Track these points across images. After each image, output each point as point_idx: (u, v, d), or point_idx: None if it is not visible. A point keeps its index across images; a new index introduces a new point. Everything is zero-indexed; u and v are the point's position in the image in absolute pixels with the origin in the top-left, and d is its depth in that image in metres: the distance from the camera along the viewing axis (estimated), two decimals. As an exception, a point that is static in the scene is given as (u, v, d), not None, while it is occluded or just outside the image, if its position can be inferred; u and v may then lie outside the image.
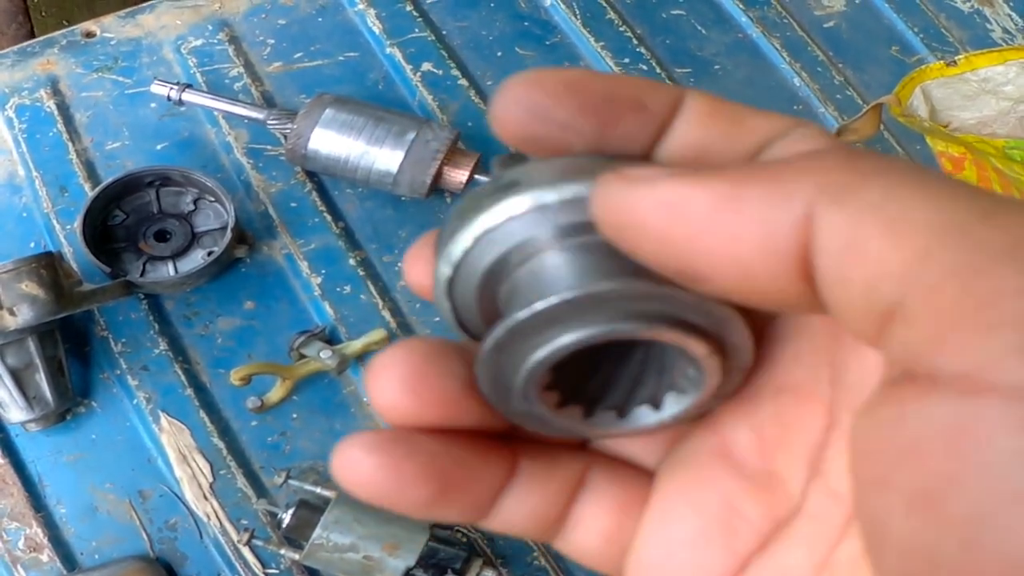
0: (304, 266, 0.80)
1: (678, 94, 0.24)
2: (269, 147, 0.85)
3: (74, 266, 0.76)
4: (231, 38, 0.91)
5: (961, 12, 1.03)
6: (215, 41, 0.90)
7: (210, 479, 0.72)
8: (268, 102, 0.88)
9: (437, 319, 0.79)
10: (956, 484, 0.16)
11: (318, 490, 0.69)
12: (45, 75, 0.87)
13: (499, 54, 0.93)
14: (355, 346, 0.76)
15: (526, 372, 0.22)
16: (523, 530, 0.25)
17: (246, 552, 0.70)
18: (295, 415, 0.75)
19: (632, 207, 0.20)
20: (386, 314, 0.79)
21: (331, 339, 0.77)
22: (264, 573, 0.70)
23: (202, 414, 0.74)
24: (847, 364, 0.23)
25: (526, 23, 0.96)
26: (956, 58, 0.91)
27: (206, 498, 0.72)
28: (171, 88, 0.82)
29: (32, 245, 0.80)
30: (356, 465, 0.23)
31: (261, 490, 0.73)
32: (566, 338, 0.21)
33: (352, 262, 0.81)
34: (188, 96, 0.82)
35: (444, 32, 0.94)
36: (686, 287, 0.21)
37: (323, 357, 0.74)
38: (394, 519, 0.67)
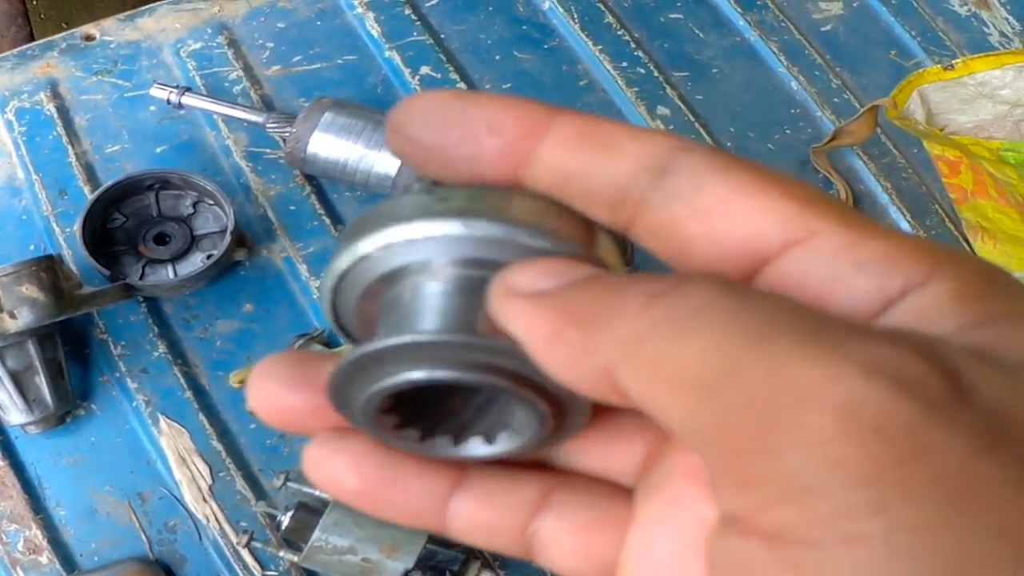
0: (303, 269, 0.81)
1: (542, 117, 0.23)
2: (268, 150, 0.85)
3: (74, 269, 0.76)
4: (230, 41, 0.91)
5: (959, 16, 1.03)
6: (214, 44, 0.91)
7: (209, 481, 0.72)
8: (267, 105, 0.88)
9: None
10: None
11: (317, 492, 0.70)
12: (45, 78, 0.87)
13: (497, 58, 0.94)
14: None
15: (365, 398, 0.24)
16: (483, 542, 0.26)
17: (245, 554, 0.70)
18: (294, 418, 0.75)
19: (504, 310, 0.22)
20: (385, 317, 0.79)
21: (329, 342, 0.77)
22: (263, 575, 0.70)
23: (201, 416, 0.74)
24: None
25: (524, 27, 0.96)
26: (953, 62, 0.92)
27: (205, 500, 0.72)
28: (170, 91, 0.82)
29: (32, 248, 0.80)
30: (309, 451, 0.25)
31: (260, 492, 0.73)
32: (405, 376, 0.23)
33: (351, 265, 0.81)
34: (187, 99, 0.82)
35: (443, 36, 0.95)
36: None
37: (322, 360, 0.74)
38: (393, 521, 0.68)
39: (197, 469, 0.73)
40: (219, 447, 0.73)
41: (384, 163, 0.79)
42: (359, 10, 0.94)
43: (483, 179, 0.24)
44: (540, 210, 0.23)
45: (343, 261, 0.25)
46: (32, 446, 0.73)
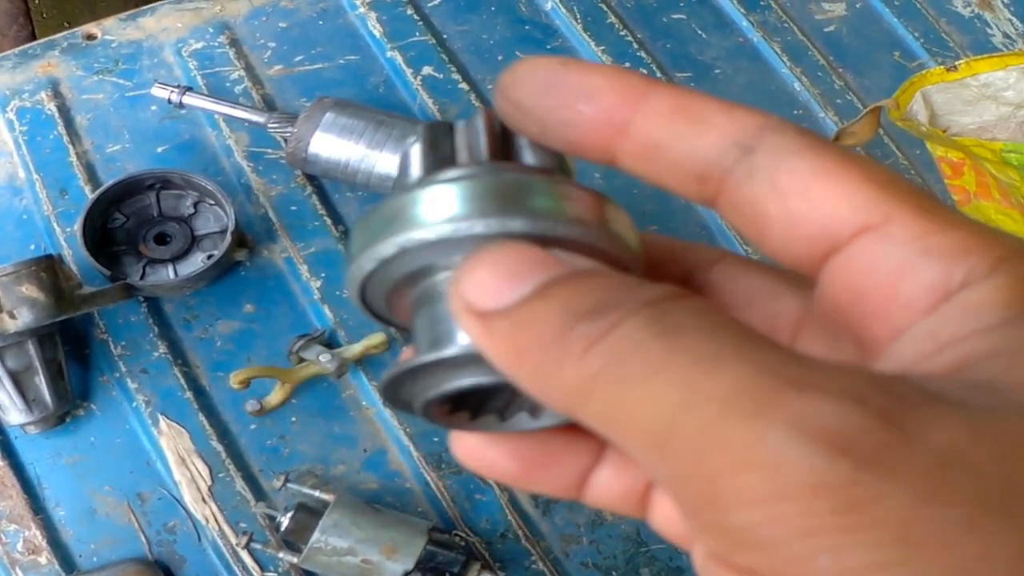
0: (304, 270, 0.80)
1: (640, 88, 0.23)
2: (269, 150, 0.85)
3: (74, 269, 0.76)
4: (232, 41, 0.91)
5: (962, 17, 1.03)
6: (216, 44, 0.91)
7: (209, 482, 0.72)
8: (269, 105, 0.88)
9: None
10: None
11: (317, 493, 0.69)
12: (46, 77, 0.87)
13: (500, 58, 0.93)
14: (354, 350, 0.76)
15: (423, 402, 0.25)
16: (612, 507, 0.28)
17: (244, 555, 0.70)
18: (294, 418, 0.75)
19: (461, 325, 0.23)
20: (386, 318, 0.79)
21: (330, 343, 0.77)
22: (262, 576, 0.70)
23: (201, 417, 0.74)
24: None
25: (527, 27, 0.96)
26: (956, 63, 0.91)
27: (205, 501, 0.72)
28: (172, 91, 0.82)
29: (32, 248, 0.80)
30: (462, 439, 0.27)
31: (260, 493, 0.73)
32: (456, 383, 0.24)
33: (352, 265, 0.81)
34: (189, 99, 0.82)
35: (445, 36, 0.94)
36: None
37: (322, 361, 0.74)
38: (393, 523, 0.68)
39: (197, 470, 0.73)
40: (219, 448, 0.73)
41: (385, 163, 0.79)
42: (361, 10, 0.94)
43: (580, 146, 0.24)
44: (555, 193, 0.24)
45: (365, 264, 0.25)
46: (32, 446, 0.73)
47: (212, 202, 0.81)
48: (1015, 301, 0.20)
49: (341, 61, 0.91)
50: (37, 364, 0.70)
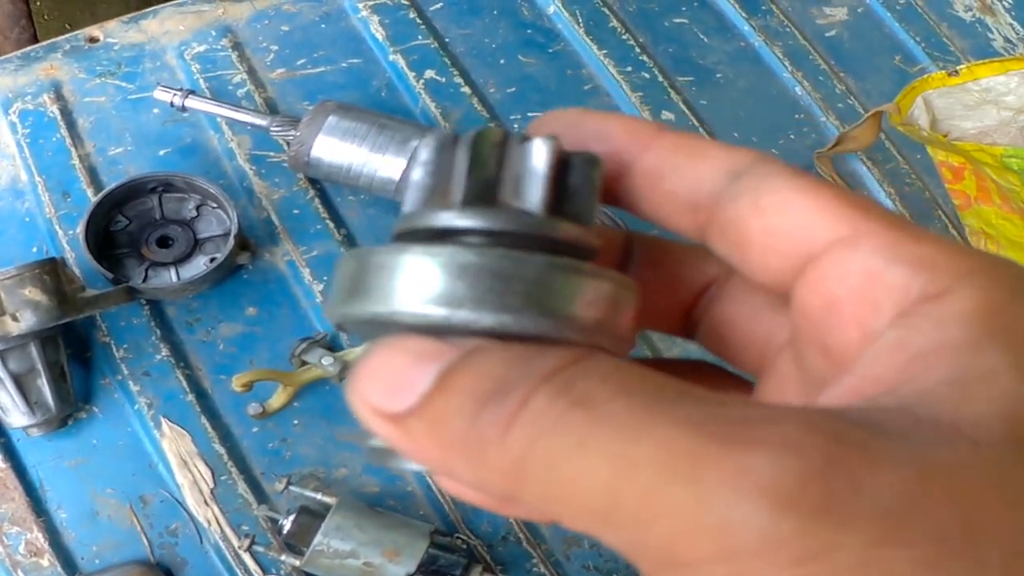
0: (306, 273, 0.80)
1: (651, 132, 0.25)
2: (272, 154, 0.85)
3: (76, 272, 0.76)
4: (234, 44, 0.91)
5: (963, 22, 1.03)
6: (218, 47, 0.91)
7: (211, 485, 0.72)
8: (271, 108, 0.88)
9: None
10: None
11: (319, 496, 0.70)
12: (48, 80, 0.87)
13: (502, 62, 0.94)
14: (356, 353, 0.76)
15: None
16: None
17: (247, 558, 0.70)
18: (296, 421, 0.75)
19: (376, 430, 0.23)
20: (388, 321, 0.79)
21: (333, 346, 0.77)
22: (264, 579, 0.70)
23: (203, 420, 0.74)
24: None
25: (529, 31, 0.96)
26: (958, 68, 0.91)
27: (207, 504, 0.72)
28: (174, 94, 0.82)
29: (35, 250, 0.80)
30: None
31: (262, 496, 0.73)
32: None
33: (354, 269, 0.81)
34: (191, 102, 0.82)
35: (447, 39, 0.94)
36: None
37: (325, 364, 0.74)
38: (395, 526, 0.68)
39: (199, 472, 0.73)
40: (221, 450, 0.73)
41: (388, 167, 0.79)
42: (363, 13, 0.94)
43: None
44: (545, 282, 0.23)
45: (335, 318, 0.25)
46: (34, 448, 0.73)
47: (214, 205, 0.81)
48: (981, 319, 0.20)
49: (343, 64, 0.92)
50: (40, 367, 0.70)
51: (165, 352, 0.76)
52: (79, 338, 0.77)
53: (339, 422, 0.75)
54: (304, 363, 0.75)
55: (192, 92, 0.83)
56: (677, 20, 0.99)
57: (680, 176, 0.24)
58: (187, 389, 0.75)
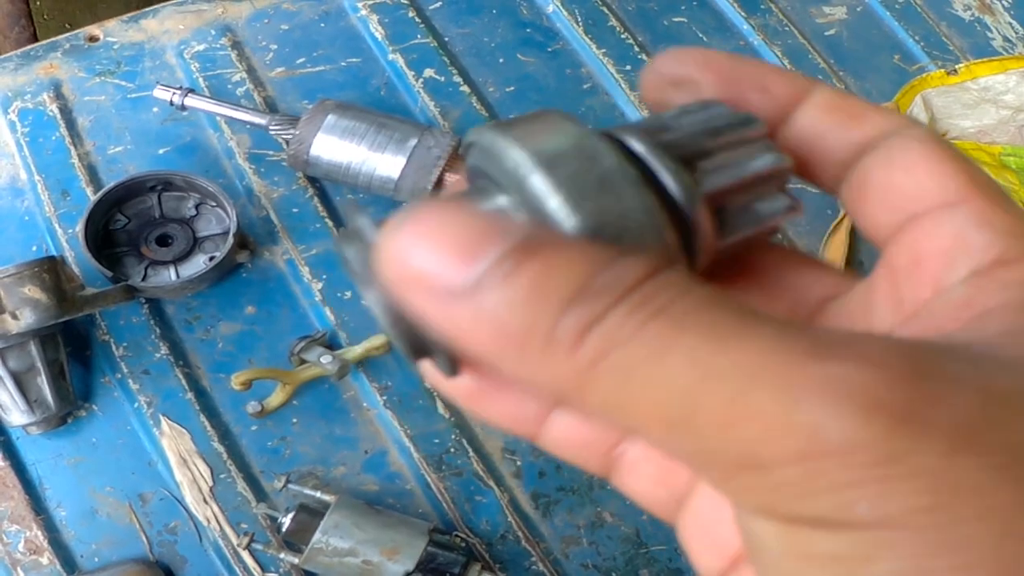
0: (305, 271, 0.81)
1: (805, 85, 0.26)
2: (271, 152, 0.85)
3: (76, 270, 0.76)
4: (234, 43, 0.91)
5: (962, 21, 1.03)
6: (218, 46, 0.91)
7: (210, 483, 0.72)
8: (270, 107, 0.88)
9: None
10: None
11: (318, 494, 0.70)
12: (48, 79, 0.88)
13: (501, 60, 0.94)
14: (355, 351, 0.76)
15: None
16: (569, 455, 0.26)
17: (246, 556, 0.70)
18: (295, 420, 0.75)
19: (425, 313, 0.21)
20: (387, 319, 0.79)
21: (332, 344, 0.77)
22: (263, 577, 0.70)
23: (203, 418, 0.74)
24: None
25: (528, 30, 0.96)
26: (957, 67, 0.92)
27: (206, 502, 0.72)
28: (174, 93, 0.82)
29: (34, 249, 0.80)
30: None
31: (261, 494, 0.73)
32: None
33: (353, 267, 0.81)
34: (190, 101, 0.82)
35: (446, 38, 0.95)
36: None
37: (324, 362, 0.74)
38: (394, 524, 0.68)
39: (198, 470, 0.73)
40: (220, 449, 0.73)
41: (387, 166, 0.79)
42: (363, 12, 0.94)
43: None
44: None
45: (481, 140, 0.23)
46: (33, 447, 0.73)
47: (214, 204, 0.81)
48: None
49: (343, 63, 0.92)
50: (39, 365, 0.70)
51: (164, 350, 0.76)
52: (79, 336, 0.77)
53: (338, 420, 0.75)
54: (303, 361, 0.75)
55: (191, 91, 0.83)
56: (676, 19, 0.99)
57: (837, 137, 0.25)
58: (186, 387, 0.75)
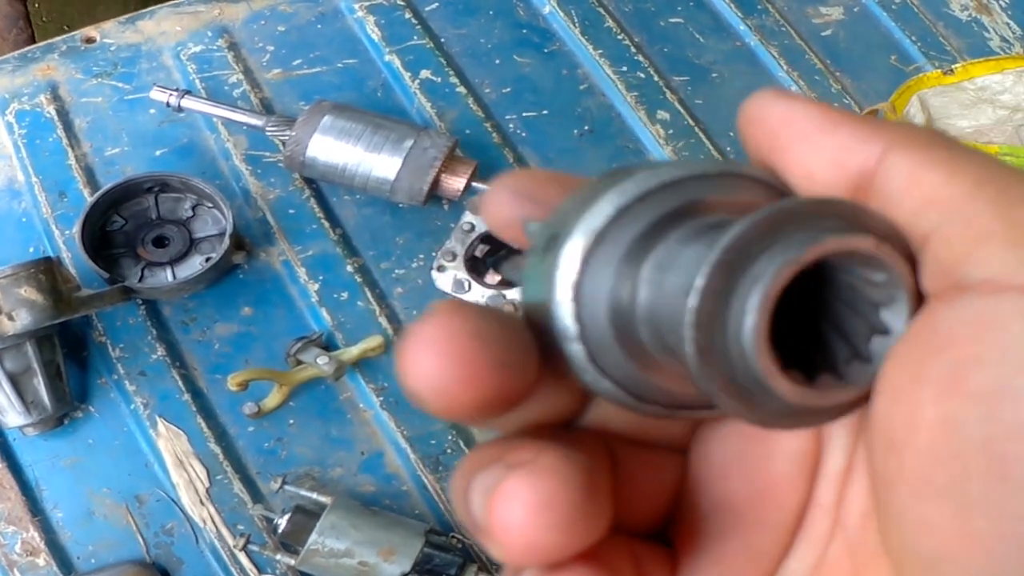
0: (302, 272, 0.81)
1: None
2: (268, 153, 0.86)
3: (73, 271, 0.76)
4: (230, 44, 0.91)
5: (959, 21, 1.03)
6: (214, 47, 0.91)
7: (206, 484, 0.72)
8: (267, 109, 0.88)
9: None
10: (979, 364, 0.18)
11: (314, 495, 0.70)
12: (45, 80, 0.88)
13: (497, 61, 0.94)
14: (352, 352, 0.76)
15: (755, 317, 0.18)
16: None
17: (242, 557, 0.70)
18: (292, 421, 0.75)
19: (767, 109, 0.24)
20: (383, 320, 0.79)
21: (328, 345, 0.77)
22: (260, 578, 0.70)
23: (199, 419, 0.74)
24: None
25: (524, 31, 0.96)
26: (953, 67, 0.92)
27: (202, 503, 0.72)
28: (170, 94, 0.82)
29: (31, 250, 0.80)
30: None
31: (257, 495, 0.73)
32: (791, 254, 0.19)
33: (349, 268, 0.81)
34: (187, 102, 0.82)
35: (443, 39, 0.95)
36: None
37: (320, 363, 0.74)
38: (390, 525, 0.68)
39: (195, 472, 0.73)
40: (217, 450, 0.73)
41: (383, 167, 0.79)
42: (359, 14, 0.95)
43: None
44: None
45: (605, 207, 0.22)
46: (30, 448, 0.73)
47: (210, 205, 0.81)
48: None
49: (339, 65, 0.92)
50: (36, 366, 0.71)
51: (161, 352, 0.76)
52: (75, 337, 0.77)
53: (334, 421, 0.75)
54: (299, 362, 0.75)
55: (188, 92, 0.83)
56: (673, 20, 0.99)
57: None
58: (183, 389, 0.75)
